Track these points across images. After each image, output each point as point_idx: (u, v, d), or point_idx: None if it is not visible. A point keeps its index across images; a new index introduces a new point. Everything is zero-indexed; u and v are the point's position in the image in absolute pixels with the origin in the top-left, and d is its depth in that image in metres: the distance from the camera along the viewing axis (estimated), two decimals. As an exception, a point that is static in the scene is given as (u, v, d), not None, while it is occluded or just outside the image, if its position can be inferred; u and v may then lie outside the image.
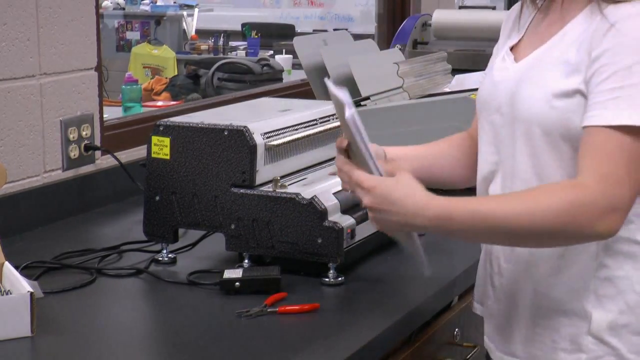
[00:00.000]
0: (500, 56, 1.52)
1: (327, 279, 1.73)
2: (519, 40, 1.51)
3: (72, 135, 2.22)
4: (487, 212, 1.34)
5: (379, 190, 1.39)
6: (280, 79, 4.98)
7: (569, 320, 1.43)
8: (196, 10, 8.15)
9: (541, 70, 1.40)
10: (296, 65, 5.35)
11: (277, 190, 1.75)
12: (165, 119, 1.83)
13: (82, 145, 2.26)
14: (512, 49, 1.51)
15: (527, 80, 1.41)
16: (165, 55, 6.91)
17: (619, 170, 1.30)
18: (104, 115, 2.38)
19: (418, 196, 1.38)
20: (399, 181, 1.39)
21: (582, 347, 1.42)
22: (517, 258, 1.47)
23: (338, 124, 2.00)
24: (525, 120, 1.40)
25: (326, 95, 2.57)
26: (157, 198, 1.82)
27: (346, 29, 5.24)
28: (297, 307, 1.59)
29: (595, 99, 1.33)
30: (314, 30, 7.86)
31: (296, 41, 2.66)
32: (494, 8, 4.46)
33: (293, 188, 1.77)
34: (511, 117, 1.43)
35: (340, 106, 1.42)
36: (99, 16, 2.31)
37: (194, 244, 1.94)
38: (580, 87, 1.35)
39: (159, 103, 4.49)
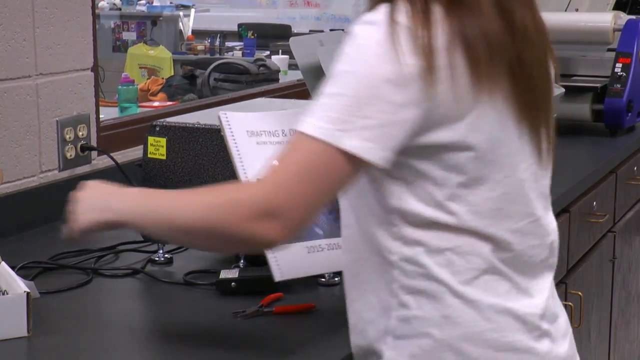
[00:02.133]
0: None
1: (322, 279, 1.73)
2: None
3: (69, 135, 2.22)
4: (157, 204, 1.33)
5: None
6: (277, 80, 4.98)
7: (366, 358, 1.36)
8: (192, 10, 8.14)
9: None
10: (292, 66, 5.36)
11: (273, 191, 1.75)
12: (162, 119, 1.83)
13: (79, 146, 2.26)
14: None
15: None
16: (161, 56, 6.90)
17: (288, 177, 1.21)
18: (100, 116, 2.38)
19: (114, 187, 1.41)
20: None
21: None
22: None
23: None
24: None
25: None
26: (154, 198, 1.82)
27: (342, 30, 5.25)
28: (293, 307, 1.59)
29: None
30: (310, 31, 7.85)
31: (292, 41, 2.66)
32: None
33: (289, 188, 1.77)
34: None
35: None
36: (95, 16, 2.31)
37: (190, 244, 1.95)
38: None
39: (155, 103, 4.49)
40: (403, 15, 1.22)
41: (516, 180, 1.31)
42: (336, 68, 1.23)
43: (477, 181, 1.27)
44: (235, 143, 1.59)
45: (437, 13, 1.23)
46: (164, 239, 1.49)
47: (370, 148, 1.20)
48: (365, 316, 1.34)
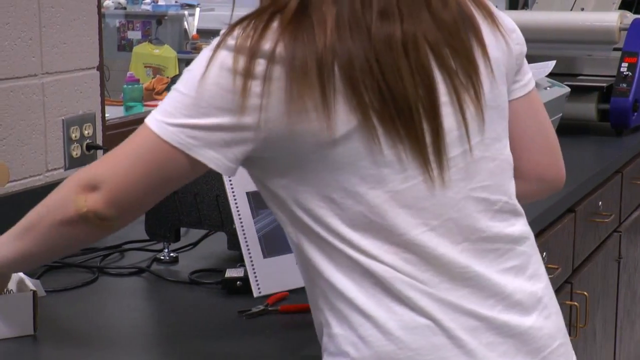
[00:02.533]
0: None
1: (328, 278, 1.73)
2: None
3: (74, 134, 2.22)
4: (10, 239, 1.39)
5: None
6: (281, 79, 4.97)
7: None
8: (197, 9, 8.14)
9: None
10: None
11: (279, 190, 1.75)
12: (167, 118, 1.82)
13: (84, 145, 2.26)
14: None
15: None
16: (166, 55, 6.90)
17: (111, 153, 1.29)
18: (106, 115, 2.38)
19: None
20: None
21: None
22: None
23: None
24: None
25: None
26: (159, 197, 1.82)
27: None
28: (298, 306, 1.59)
29: None
30: (315, 30, 7.85)
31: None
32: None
33: (295, 187, 1.78)
34: None
35: None
36: (101, 16, 2.31)
37: (195, 243, 1.95)
38: None
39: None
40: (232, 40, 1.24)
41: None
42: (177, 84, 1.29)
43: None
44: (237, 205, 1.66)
45: (271, 34, 1.22)
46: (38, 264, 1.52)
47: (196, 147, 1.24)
48: (316, 328, 1.36)
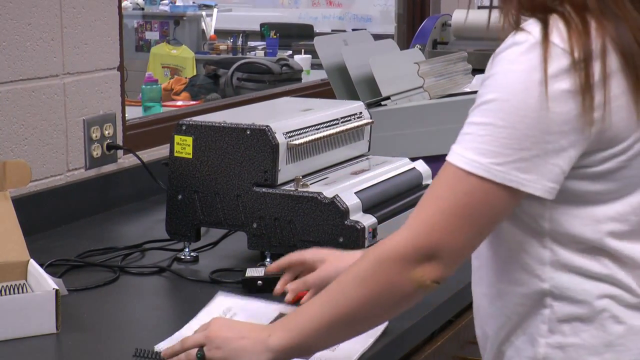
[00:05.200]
0: None
1: (348, 278, 1.73)
2: None
3: (95, 134, 2.24)
4: (307, 317, 1.24)
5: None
6: (300, 79, 4.99)
7: None
8: (215, 10, 8.17)
9: None
10: (315, 65, 5.36)
11: (299, 190, 1.76)
12: (188, 118, 1.84)
13: (105, 145, 2.27)
14: None
15: None
16: (184, 55, 6.93)
17: (438, 213, 1.16)
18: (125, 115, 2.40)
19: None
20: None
21: None
22: (477, 308, 1.35)
23: (359, 123, 2.02)
24: None
25: (347, 95, 2.58)
26: (180, 197, 1.83)
27: (365, 29, 5.25)
28: (319, 306, 1.59)
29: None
30: (332, 30, 7.87)
31: (317, 41, 2.67)
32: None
33: (315, 187, 1.78)
34: None
35: None
36: (122, 16, 2.32)
37: (216, 243, 1.96)
38: None
39: (179, 103, 4.52)
40: (558, 36, 1.14)
41: None
42: (485, 95, 1.16)
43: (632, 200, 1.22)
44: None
45: (593, 28, 1.15)
46: (327, 346, 1.32)
47: (530, 180, 1.14)
48: (512, 342, 1.27)
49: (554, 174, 1.15)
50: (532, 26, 1.16)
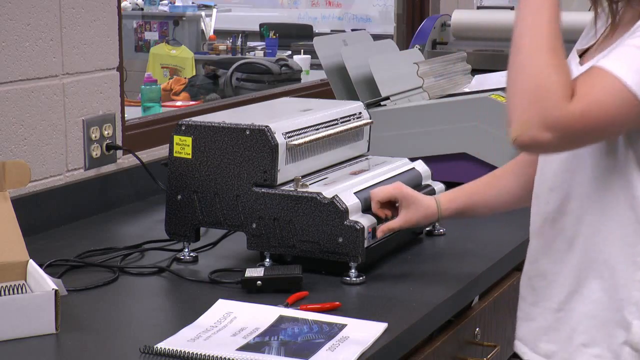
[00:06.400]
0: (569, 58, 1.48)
1: (348, 278, 1.73)
2: (591, 45, 1.48)
3: (94, 134, 2.24)
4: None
5: None
6: (299, 79, 4.99)
7: (607, 328, 1.38)
8: (214, 10, 8.18)
9: None
10: (314, 66, 5.37)
11: (299, 190, 1.76)
12: (187, 119, 1.84)
13: (104, 145, 2.27)
14: (583, 52, 1.48)
15: None
16: (183, 56, 6.93)
17: (592, 110, 1.27)
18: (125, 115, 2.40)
19: None
20: None
21: (620, 357, 1.37)
22: (558, 258, 1.43)
23: (359, 123, 2.02)
24: None
25: (346, 96, 2.58)
26: (179, 197, 1.83)
27: (365, 30, 5.25)
28: (318, 306, 1.59)
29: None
30: (331, 31, 7.87)
31: (316, 41, 2.67)
32: (512, 8, 4.46)
33: (314, 187, 1.78)
34: None
35: None
36: (121, 17, 2.32)
37: (215, 243, 1.96)
38: None
39: (178, 103, 4.51)
40: None
41: None
42: None
43: None
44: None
45: None
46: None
47: None
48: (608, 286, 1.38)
49: None
50: None
